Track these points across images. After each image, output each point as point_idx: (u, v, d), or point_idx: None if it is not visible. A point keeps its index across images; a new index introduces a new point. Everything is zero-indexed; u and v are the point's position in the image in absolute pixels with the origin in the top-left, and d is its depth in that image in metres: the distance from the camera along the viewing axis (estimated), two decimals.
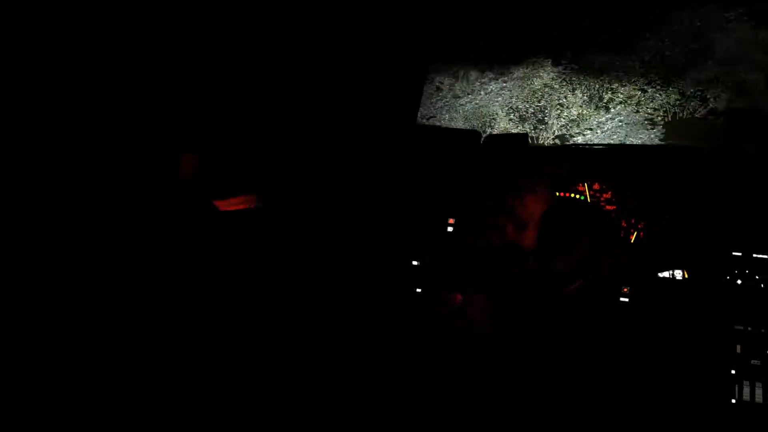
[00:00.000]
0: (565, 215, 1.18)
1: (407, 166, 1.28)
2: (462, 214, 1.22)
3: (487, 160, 1.30)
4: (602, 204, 1.18)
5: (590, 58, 2.76)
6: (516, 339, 1.09)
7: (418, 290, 1.20)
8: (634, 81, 2.66)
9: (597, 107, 2.71)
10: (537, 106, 2.85)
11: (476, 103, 3.03)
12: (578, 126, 2.67)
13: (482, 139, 1.36)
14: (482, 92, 3.05)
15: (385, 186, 1.27)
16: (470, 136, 1.31)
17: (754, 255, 1.06)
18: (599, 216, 1.17)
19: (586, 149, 1.33)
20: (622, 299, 1.09)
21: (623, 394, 1.04)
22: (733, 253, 1.07)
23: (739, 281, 1.05)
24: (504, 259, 1.14)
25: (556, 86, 2.88)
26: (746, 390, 1.00)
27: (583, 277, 1.11)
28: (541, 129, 2.70)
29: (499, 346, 1.09)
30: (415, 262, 1.17)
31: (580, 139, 2.61)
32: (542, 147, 1.35)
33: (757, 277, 1.05)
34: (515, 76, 2.99)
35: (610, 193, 1.19)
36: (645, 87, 2.66)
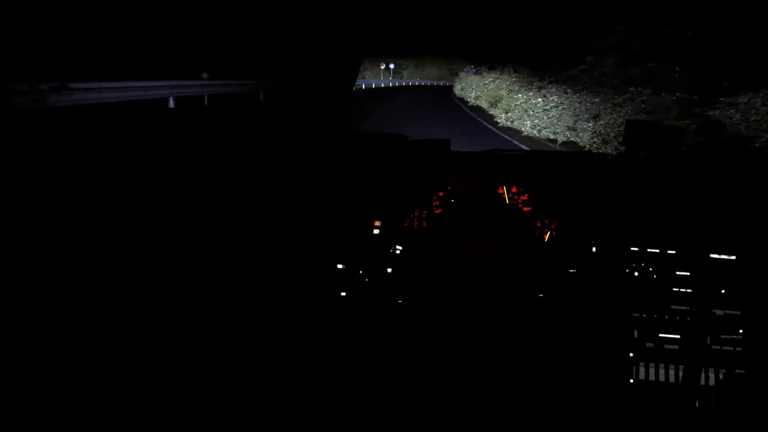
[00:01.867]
0: (484, 215, 1.25)
1: (335, 170, 1.30)
2: (388, 216, 1.25)
3: (411, 164, 1.35)
4: (519, 206, 1.27)
5: None
6: (441, 318, 1.14)
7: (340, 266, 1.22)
8: None
9: None
10: None
11: None
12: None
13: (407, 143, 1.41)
14: None
15: (313, 189, 1.27)
16: (397, 140, 1.36)
17: (649, 250, 1.19)
18: (516, 216, 1.25)
19: (505, 155, 1.42)
20: (538, 294, 1.17)
21: (539, 378, 1.11)
22: (631, 249, 1.19)
23: (636, 273, 1.17)
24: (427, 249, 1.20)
25: None
26: (642, 370, 1.11)
27: (502, 274, 1.18)
28: None
29: (428, 325, 1.14)
30: (339, 266, 1.19)
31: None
32: (464, 153, 1.42)
33: (650, 269, 1.17)
34: None
35: (526, 195, 1.27)
36: None
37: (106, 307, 1.13)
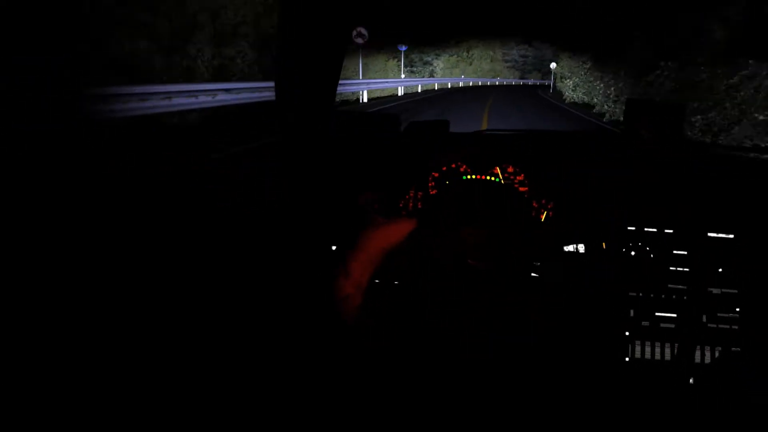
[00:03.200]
0: (480, 195, 1.24)
1: (329, 152, 1.29)
2: (384, 199, 1.24)
3: (408, 145, 1.34)
4: (515, 186, 1.25)
5: None
6: (437, 301, 1.14)
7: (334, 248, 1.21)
8: None
9: None
10: None
11: None
12: None
13: (403, 125, 1.39)
14: None
15: (308, 171, 1.26)
16: (390, 118, 1.34)
17: (645, 229, 1.18)
18: (512, 197, 1.24)
19: (501, 135, 1.40)
20: (533, 274, 1.17)
21: (535, 357, 1.12)
22: (628, 228, 1.18)
23: (632, 252, 1.16)
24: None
25: None
26: (638, 349, 1.11)
27: (499, 254, 1.17)
28: None
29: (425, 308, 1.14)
30: (334, 247, 1.18)
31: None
32: (460, 133, 1.40)
33: (647, 249, 1.16)
34: None
35: (522, 175, 1.26)
36: None
37: (105, 305, 1.13)
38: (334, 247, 1.17)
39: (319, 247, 1.18)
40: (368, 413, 1.09)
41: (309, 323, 1.14)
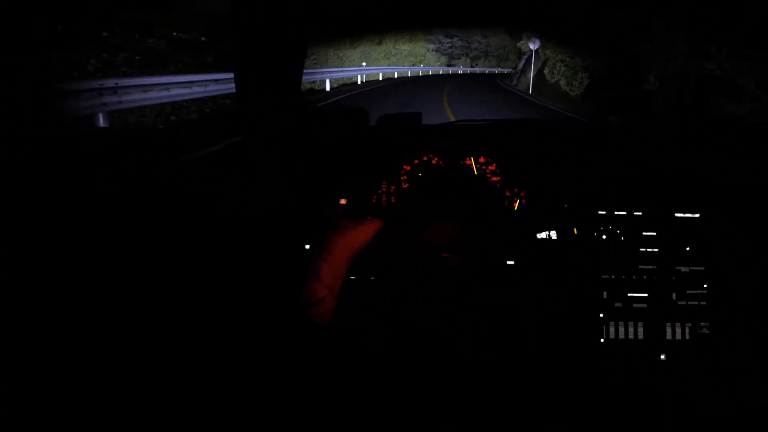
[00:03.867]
0: (453, 187, 1.25)
1: (300, 147, 1.28)
2: (354, 192, 1.24)
3: (380, 138, 1.34)
4: (488, 176, 1.27)
5: None
6: (412, 291, 1.14)
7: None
8: None
9: None
10: None
11: None
12: None
13: (377, 119, 1.39)
14: None
15: (276, 167, 1.25)
16: (359, 113, 1.34)
17: (616, 213, 1.20)
18: (485, 187, 1.26)
19: (472, 126, 1.42)
20: (508, 262, 1.18)
21: (512, 343, 1.13)
22: (599, 212, 1.20)
23: (603, 236, 1.19)
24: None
25: None
26: (612, 329, 1.14)
27: (473, 244, 1.18)
28: None
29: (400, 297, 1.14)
30: (307, 246, 1.18)
31: None
32: (431, 125, 1.41)
33: (618, 232, 1.19)
34: None
35: (494, 165, 1.27)
36: None
37: (104, 304, 1.11)
38: (307, 246, 1.17)
39: (292, 247, 1.18)
40: (352, 411, 1.10)
41: (287, 325, 1.14)
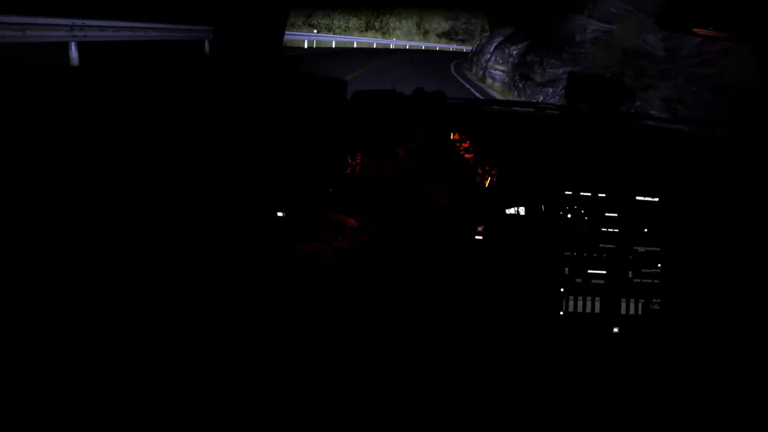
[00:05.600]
0: (431, 163, 1.27)
1: (279, 116, 1.27)
2: (328, 163, 1.25)
3: (355, 113, 1.34)
4: (461, 153, 1.29)
5: None
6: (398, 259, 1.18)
7: (280, 214, 1.21)
8: None
9: None
10: None
11: None
12: None
13: (349, 93, 1.39)
14: None
15: (255, 135, 1.24)
16: (336, 83, 1.33)
17: (581, 193, 1.25)
18: (459, 163, 1.28)
19: (453, 102, 1.43)
20: (477, 237, 1.22)
21: (477, 314, 1.18)
22: (565, 192, 1.25)
23: (569, 216, 1.24)
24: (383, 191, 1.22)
25: None
26: (571, 303, 1.20)
27: (445, 218, 1.21)
28: None
29: (383, 267, 1.17)
30: (280, 213, 1.18)
31: None
32: (411, 102, 1.42)
33: (582, 211, 1.24)
34: None
35: (468, 142, 1.30)
36: None
37: (90, 294, 1.08)
38: (279, 213, 1.18)
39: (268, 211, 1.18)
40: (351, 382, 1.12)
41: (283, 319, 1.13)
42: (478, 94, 9.66)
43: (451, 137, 1.29)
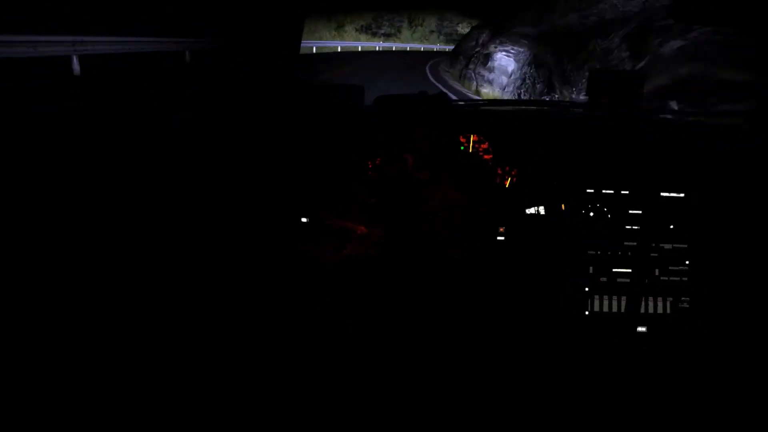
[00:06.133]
0: (447, 166, 1.28)
1: (299, 123, 1.30)
2: (350, 168, 1.27)
3: (377, 117, 1.36)
4: (480, 153, 1.30)
5: None
6: (410, 265, 1.19)
7: (304, 219, 1.23)
8: None
9: None
10: None
11: None
12: None
13: (372, 99, 1.41)
14: None
15: (274, 142, 1.27)
16: (354, 90, 1.36)
17: (603, 191, 1.24)
18: (478, 165, 1.29)
19: (466, 105, 1.44)
20: (499, 238, 1.22)
21: (504, 314, 1.18)
22: (587, 191, 1.24)
23: (591, 214, 1.22)
24: (398, 198, 1.23)
25: None
26: (596, 302, 1.18)
27: (467, 221, 1.22)
28: None
29: (393, 273, 1.18)
30: (304, 219, 1.21)
31: None
32: (425, 105, 1.43)
33: (605, 209, 1.23)
34: None
35: (487, 143, 1.30)
36: None
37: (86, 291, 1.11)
38: (303, 219, 1.20)
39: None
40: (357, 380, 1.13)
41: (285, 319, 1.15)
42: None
43: (469, 139, 1.30)
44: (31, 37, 6.21)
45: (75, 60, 6.86)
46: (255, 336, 1.15)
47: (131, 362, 1.09)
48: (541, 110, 1.52)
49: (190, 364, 1.12)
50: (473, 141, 1.30)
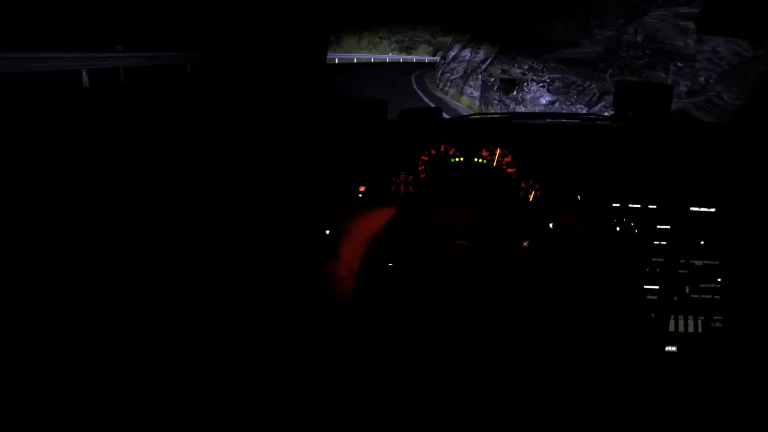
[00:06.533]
0: (469, 178, 1.27)
1: (315, 136, 1.32)
2: (373, 180, 1.27)
3: (401, 130, 1.37)
4: (503, 167, 1.29)
5: None
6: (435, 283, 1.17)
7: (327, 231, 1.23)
8: None
9: None
10: None
11: None
12: None
13: (397, 113, 1.43)
14: None
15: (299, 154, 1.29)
16: (378, 105, 1.37)
17: (630, 205, 1.22)
18: (501, 178, 1.28)
19: (488, 118, 1.44)
20: (522, 253, 1.20)
21: (527, 332, 1.16)
22: (613, 205, 1.21)
23: (617, 228, 1.20)
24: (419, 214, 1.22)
25: None
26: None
27: (488, 235, 1.21)
28: None
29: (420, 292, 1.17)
30: (327, 231, 1.21)
31: None
32: (447, 119, 1.43)
33: (631, 224, 1.20)
34: None
35: (510, 157, 1.29)
36: None
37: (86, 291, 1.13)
38: (327, 232, 1.21)
39: (311, 231, 1.22)
40: (366, 405, 1.12)
41: (303, 308, 1.16)
42: None
43: (492, 152, 1.29)
44: (50, 54, 7.04)
45: (84, 74, 7.71)
46: (254, 336, 1.15)
47: (131, 362, 1.10)
48: (566, 123, 1.50)
49: (189, 364, 1.13)
50: (498, 154, 1.29)
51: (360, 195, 1.25)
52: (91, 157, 1.21)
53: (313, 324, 1.09)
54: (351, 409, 1.01)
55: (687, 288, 1.16)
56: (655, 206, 1.21)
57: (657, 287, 1.16)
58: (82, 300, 1.13)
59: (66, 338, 1.10)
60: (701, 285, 1.16)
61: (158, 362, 1.11)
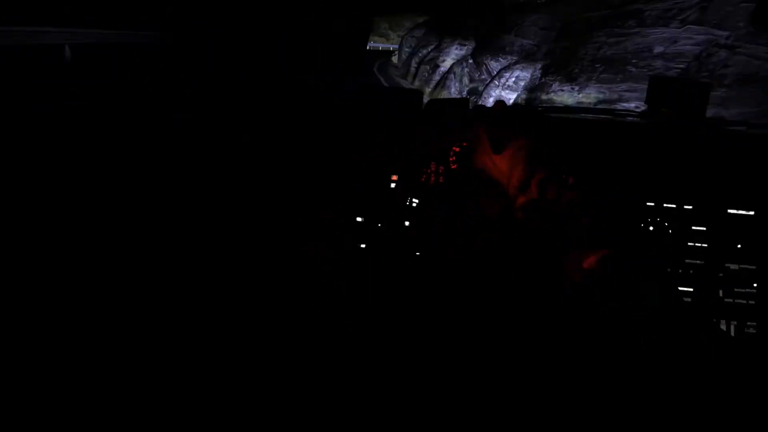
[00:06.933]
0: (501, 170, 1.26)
1: (353, 123, 1.31)
2: (406, 169, 1.27)
3: (430, 121, 1.36)
4: (534, 160, 1.27)
5: None
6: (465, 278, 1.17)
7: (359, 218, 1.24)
8: None
9: None
10: None
11: None
12: None
13: (424, 103, 1.41)
14: None
15: (329, 143, 1.29)
16: (413, 95, 1.36)
17: (665, 205, 1.19)
18: (532, 171, 1.26)
19: (522, 111, 1.41)
20: (552, 247, 1.19)
21: (549, 328, 1.15)
22: (647, 204, 1.19)
23: (651, 228, 1.18)
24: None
25: None
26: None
27: (517, 228, 1.20)
28: None
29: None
30: (359, 219, 1.21)
31: None
32: (481, 108, 1.41)
33: (666, 224, 1.18)
34: None
35: (542, 150, 1.27)
36: None
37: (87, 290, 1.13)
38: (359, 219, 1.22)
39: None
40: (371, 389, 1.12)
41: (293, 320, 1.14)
42: None
43: (521, 144, 1.27)
44: (35, 28, 7.26)
45: (67, 48, 7.87)
46: (254, 336, 1.16)
47: (130, 361, 1.10)
48: (600, 119, 1.47)
49: (188, 364, 1.12)
50: (529, 147, 1.27)
51: (392, 184, 1.25)
52: (92, 157, 1.21)
53: (313, 324, 1.09)
54: (351, 409, 1.01)
55: (721, 291, 1.14)
56: (691, 207, 1.18)
57: (691, 289, 1.14)
58: (82, 300, 1.12)
59: (66, 338, 1.10)
60: (736, 289, 1.14)
61: (158, 362, 1.11)
